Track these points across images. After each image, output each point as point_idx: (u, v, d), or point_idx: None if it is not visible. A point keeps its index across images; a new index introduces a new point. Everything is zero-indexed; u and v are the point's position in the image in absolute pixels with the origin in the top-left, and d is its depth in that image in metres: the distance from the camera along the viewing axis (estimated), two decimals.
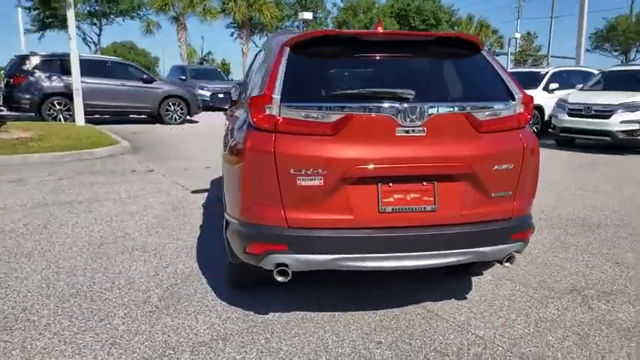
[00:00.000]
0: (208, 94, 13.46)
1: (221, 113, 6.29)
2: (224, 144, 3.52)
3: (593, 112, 10.33)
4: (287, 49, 2.75)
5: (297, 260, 2.60)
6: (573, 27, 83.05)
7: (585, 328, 2.89)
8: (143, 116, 15.21)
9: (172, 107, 14.76)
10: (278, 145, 2.55)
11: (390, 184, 2.61)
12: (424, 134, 2.62)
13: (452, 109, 2.71)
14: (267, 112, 2.59)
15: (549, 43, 42.81)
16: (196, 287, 3.36)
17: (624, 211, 5.59)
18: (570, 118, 10.67)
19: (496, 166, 2.70)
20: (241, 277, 3.22)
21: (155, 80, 15.23)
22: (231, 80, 24.26)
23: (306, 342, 2.70)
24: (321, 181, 2.54)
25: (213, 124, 13.81)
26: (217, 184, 6.36)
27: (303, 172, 2.53)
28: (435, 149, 2.63)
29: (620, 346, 2.69)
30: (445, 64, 3.09)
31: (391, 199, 2.61)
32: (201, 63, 43.44)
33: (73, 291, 3.27)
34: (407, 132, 2.60)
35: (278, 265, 2.61)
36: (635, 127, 9.85)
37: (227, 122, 4.19)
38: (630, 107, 9.93)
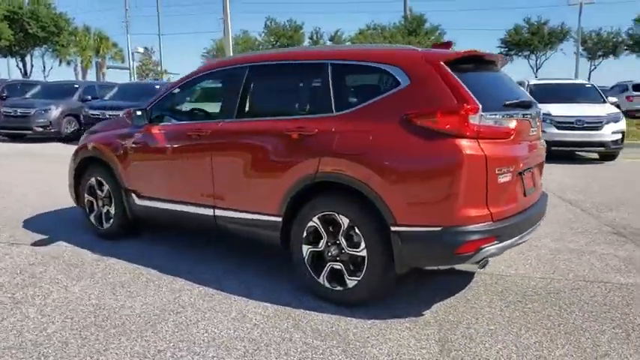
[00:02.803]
0: None
1: None
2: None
3: (585, 125, 10.35)
4: (444, 65, 3.03)
5: (501, 248, 3.00)
6: (189, 44, 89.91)
7: None
8: None
9: None
10: (485, 149, 2.88)
11: (525, 173, 3.31)
12: (536, 132, 3.45)
13: (540, 111, 3.62)
14: (472, 121, 2.86)
15: (160, 59, 45.52)
16: None
17: None
18: (560, 132, 10.33)
19: None
20: None
21: None
22: None
23: None
24: (509, 177, 3.02)
25: None
26: None
27: (501, 171, 2.95)
28: (538, 143, 3.49)
29: None
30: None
31: (527, 186, 3.32)
32: None
33: None
34: (534, 131, 3.37)
35: (488, 257, 2.94)
36: (620, 136, 10.49)
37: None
38: (614, 118, 10.59)
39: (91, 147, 4.81)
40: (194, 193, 3.96)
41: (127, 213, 4.55)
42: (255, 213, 3.60)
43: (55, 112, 14.10)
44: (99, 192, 4.76)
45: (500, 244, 2.97)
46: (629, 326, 3.03)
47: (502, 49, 40.67)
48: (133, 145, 4.37)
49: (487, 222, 2.92)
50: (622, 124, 10.68)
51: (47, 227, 5.14)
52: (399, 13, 41.47)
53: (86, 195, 4.87)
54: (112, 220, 4.68)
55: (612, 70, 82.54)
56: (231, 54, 20.31)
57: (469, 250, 2.88)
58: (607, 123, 10.41)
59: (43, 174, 8.54)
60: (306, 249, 3.37)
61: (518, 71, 66.58)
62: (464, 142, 2.85)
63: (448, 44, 3.66)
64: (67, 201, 6.16)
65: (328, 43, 43.26)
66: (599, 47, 40.19)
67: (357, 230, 3.13)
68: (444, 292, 3.53)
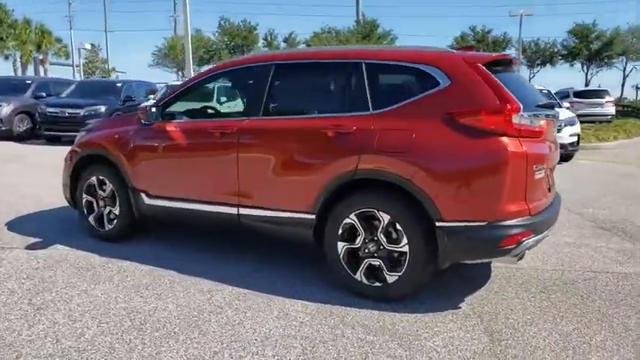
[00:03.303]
0: None
1: None
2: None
3: None
4: (482, 66, 3.14)
5: (536, 242, 3.14)
6: (138, 42, 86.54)
7: None
8: None
9: None
10: (525, 147, 3.01)
11: (547, 170, 3.46)
12: (554, 133, 3.63)
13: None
14: (514, 120, 2.98)
15: (107, 56, 43.89)
16: None
17: None
18: None
19: None
20: None
21: None
22: None
23: None
24: (542, 174, 3.18)
25: None
26: None
27: (537, 168, 3.10)
28: (556, 143, 3.67)
29: None
30: None
31: (550, 183, 3.49)
32: None
33: None
34: (554, 132, 3.55)
35: (525, 250, 3.07)
36: (576, 138, 10.95)
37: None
38: (571, 122, 10.93)
39: (92, 145, 4.60)
40: (215, 191, 3.89)
41: (134, 213, 4.39)
42: (286, 211, 3.57)
43: (5, 109, 13.28)
44: (100, 192, 4.56)
45: (535, 238, 3.12)
46: None
47: None
48: (144, 143, 4.22)
49: (526, 216, 3.05)
50: (577, 127, 11.32)
51: (33, 230, 4.86)
52: (352, 17, 41.91)
53: (84, 195, 4.65)
54: (115, 221, 4.50)
55: (548, 78, 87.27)
56: (190, 53, 19.87)
57: (511, 244, 3.00)
58: (565, 126, 10.83)
59: (2, 175, 8.06)
60: (341, 246, 3.38)
61: None
62: (508, 141, 2.96)
63: (470, 48, 3.79)
64: (40, 202, 5.91)
65: (282, 44, 43.21)
66: (537, 56, 42.36)
67: (398, 226, 3.17)
68: (469, 285, 3.65)
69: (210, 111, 4.54)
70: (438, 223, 3.05)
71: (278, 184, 3.59)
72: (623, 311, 3.25)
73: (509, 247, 3.00)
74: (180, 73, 42.06)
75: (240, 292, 3.45)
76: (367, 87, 3.36)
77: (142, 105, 14.11)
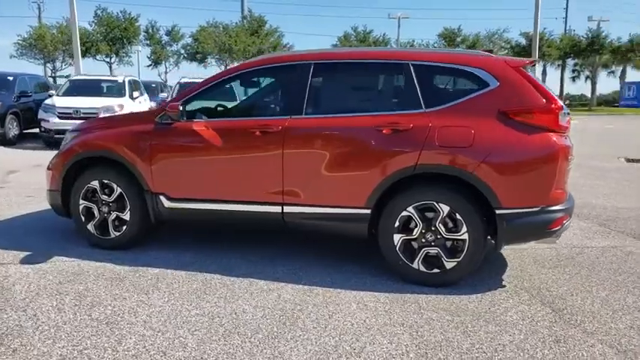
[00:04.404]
0: None
1: None
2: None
3: None
4: (522, 69, 3.55)
5: (569, 225, 3.63)
6: None
7: None
8: None
9: None
10: (565, 141, 3.48)
11: None
12: None
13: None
14: (560, 117, 3.43)
15: None
16: None
17: None
18: None
19: None
20: None
21: None
22: None
23: None
24: (570, 165, 3.67)
25: None
26: None
27: (571, 159, 3.59)
28: None
29: None
30: None
31: None
32: None
33: None
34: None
35: (564, 231, 3.55)
36: None
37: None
38: None
39: (93, 146, 4.24)
40: (255, 190, 3.84)
41: (151, 217, 4.14)
42: (339, 207, 3.67)
43: None
44: (103, 196, 4.21)
45: (569, 220, 3.61)
46: None
47: None
48: (165, 143, 4.01)
49: (564, 202, 3.52)
50: None
51: (10, 242, 4.37)
52: (237, 12, 41.50)
53: (82, 201, 4.27)
54: (125, 227, 4.20)
55: None
56: (78, 44, 18.33)
57: (557, 226, 3.44)
58: None
59: None
60: (397, 237, 3.58)
61: None
62: (557, 135, 3.40)
63: (489, 51, 4.19)
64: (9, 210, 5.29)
65: (165, 37, 41.36)
66: None
67: (457, 216, 3.46)
68: (492, 266, 4.05)
69: (241, 109, 4.41)
70: (497, 211, 3.39)
71: (330, 180, 3.67)
72: (635, 278, 3.86)
73: (555, 228, 3.44)
74: (50, 65, 38.35)
75: (304, 289, 3.49)
76: (418, 86, 3.59)
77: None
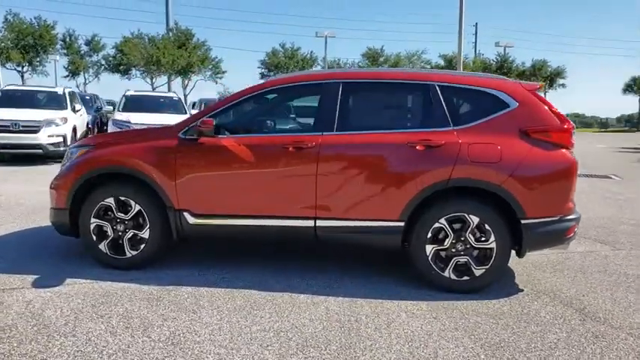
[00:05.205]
0: None
1: None
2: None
3: None
4: (536, 92, 3.94)
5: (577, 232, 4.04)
6: None
7: None
8: None
9: None
10: (575, 156, 3.89)
11: None
12: None
13: None
14: (572, 136, 3.83)
15: None
16: None
17: None
18: None
19: None
20: None
21: None
22: None
23: None
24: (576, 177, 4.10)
25: None
26: None
27: (577, 173, 4.01)
28: None
29: None
30: None
31: None
32: None
33: None
34: None
35: (574, 238, 3.95)
36: None
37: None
38: None
39: (109, 162, 4.07)
40: (288, 205, 3.89)
41: (173, 234, 4.04)
42: (373, 220, 3.82)
43: None
44: (120, 214, 4.05)
45: (578, 228, 4.01)
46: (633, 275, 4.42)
47: (262, 70, 43.82)
48: (192, 159, 3.95)
49: (575, 212, 3.92)
50: None
51: (12, 265, 4.07)
52: (161, 24, 40.45)
53: (93, 219, 4.07)
54: (143, 246, 4.05)
55: None
56: None
57: (571, 233, 3.83)
58: None
59: None
60: (430, 248, 3.79)
61: None
62: (570, 152, 3.79)
63: (505, 74, 4.55)
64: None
65: (84, 47, 39.37)
66: None
67: (486, 226, 3.73)
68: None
69: (270, 125, 4.41)
70: (523, 221, 3.71)
71: (363, 194, 3.81)
72: (617, 277, 4.35)
73: (570, 236, 3.83)
74: None
75: (344, 301, 3.58)
76: (445, 106, 3.85)
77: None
